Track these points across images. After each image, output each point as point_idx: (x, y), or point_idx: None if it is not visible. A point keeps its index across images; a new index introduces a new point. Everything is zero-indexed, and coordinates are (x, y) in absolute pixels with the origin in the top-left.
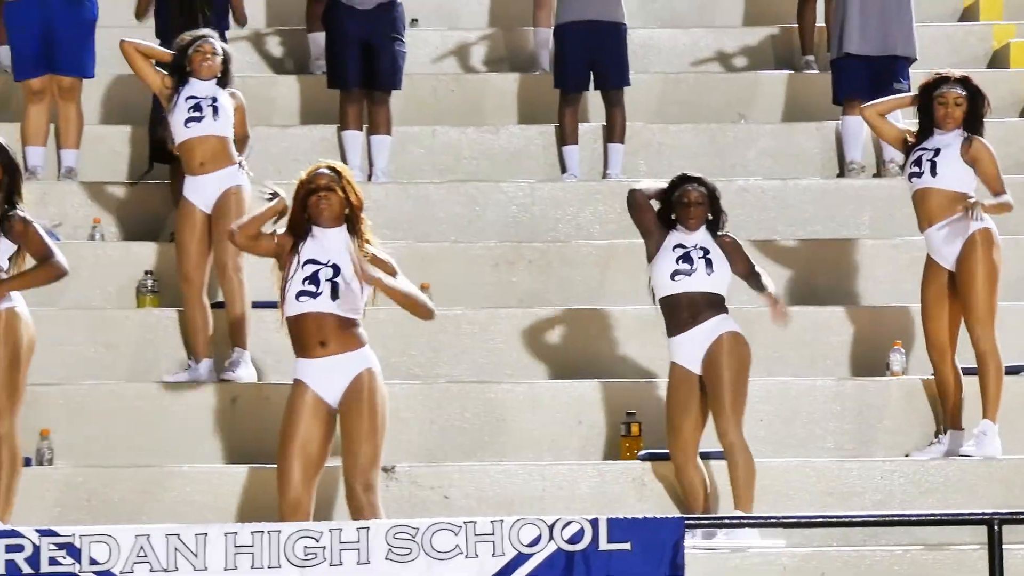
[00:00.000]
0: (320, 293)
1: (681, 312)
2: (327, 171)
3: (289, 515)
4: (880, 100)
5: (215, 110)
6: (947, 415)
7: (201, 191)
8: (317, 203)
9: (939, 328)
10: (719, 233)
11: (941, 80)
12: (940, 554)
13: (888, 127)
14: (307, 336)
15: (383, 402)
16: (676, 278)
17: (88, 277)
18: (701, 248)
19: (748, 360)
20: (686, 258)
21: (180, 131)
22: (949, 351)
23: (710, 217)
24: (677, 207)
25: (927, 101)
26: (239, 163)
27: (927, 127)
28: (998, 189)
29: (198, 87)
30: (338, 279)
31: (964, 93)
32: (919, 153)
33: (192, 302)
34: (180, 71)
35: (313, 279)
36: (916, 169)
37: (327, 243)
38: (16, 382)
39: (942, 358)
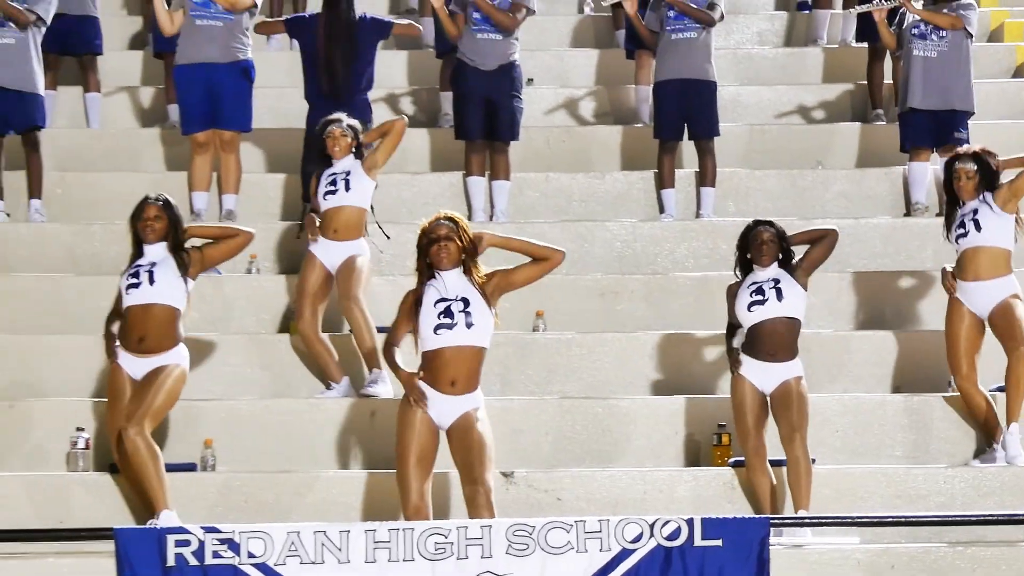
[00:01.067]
0: (456, 324)
1: (763, 343)
2: (445, 222)
3: (412, 518)
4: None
5: (347, 184)
6: (991, 430)
7: (329, 254)
8: (438, 252)
9: (972, 361)
10: (792, 263)
11: (954, 158)
12: (997, 550)
13: None
14: (442, 371)
15: (486, 431)
16: (752, 309)
17: (246, 306)
18: (772, 280)
19: (806, 398)
20: (758, 291)
21: (320, 203)
22: (973, 380)
23: (780, 256)
24: (751, 247)
25: (948, 175)
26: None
27: (954, 198)
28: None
29: (337, 165)
30: (469, 309)
31: (975, 167)
32: (960, 217)
33: (311, 340)
34: (324, 155)
35: (447, 313)
36: (961, 231)
37: (449, 283)
38: (160, 417)
39: (974, 385)
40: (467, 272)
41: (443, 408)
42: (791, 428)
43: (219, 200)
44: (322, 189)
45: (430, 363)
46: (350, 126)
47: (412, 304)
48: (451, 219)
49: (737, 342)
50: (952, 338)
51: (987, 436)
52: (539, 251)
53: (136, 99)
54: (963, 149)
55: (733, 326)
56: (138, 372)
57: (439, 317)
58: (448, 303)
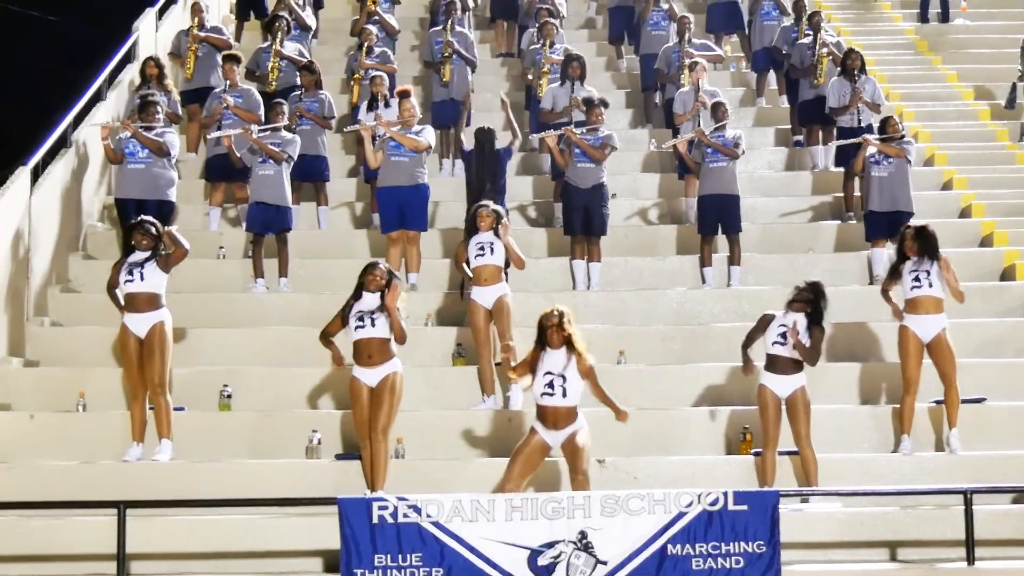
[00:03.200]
0: (555, 394)
1: (776, 365)
2: (556, 314)
3: None
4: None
5: (492, 250)
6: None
7: (484, 297)
8: (552, 335)
9: (919, 374)
10: (815, 326)
11: (905, 229)
12: (935, 511)
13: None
14: (548, 419)
15: (588, 448)
16: (775, 347)
17: (423, 348)
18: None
19: (809, 403)
20: (784, 336)
21: (473, 261)
22: (917, 388)
23: (809, 310)
24: (795, 300)
25: (900, 239)
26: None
27: (903, 257)
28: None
29: (483, 237)
30: (566, 385)
31: (917, 238)
32: (915, 272)
33: (484, 364)
34: (473, 226)
35: (551, 385)
36: (917, 283)
37: (555, 359)
38: (393, 420)
39: (914, 391)
40: (570, 351)
41: (554, 438)
42: (798, 429)
43: (406, 276)
44: (473, 252)
45: (540, 412)
46: (494, 209)
47: (531, 361)
48: (561, 313)
49: (751, 352)
50: (912, 359)
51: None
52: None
53: (351, 210)
54: (908, 224)
55: (751, 339)
56: (372, 380)
57: (545, 387)
58: (552, 377)
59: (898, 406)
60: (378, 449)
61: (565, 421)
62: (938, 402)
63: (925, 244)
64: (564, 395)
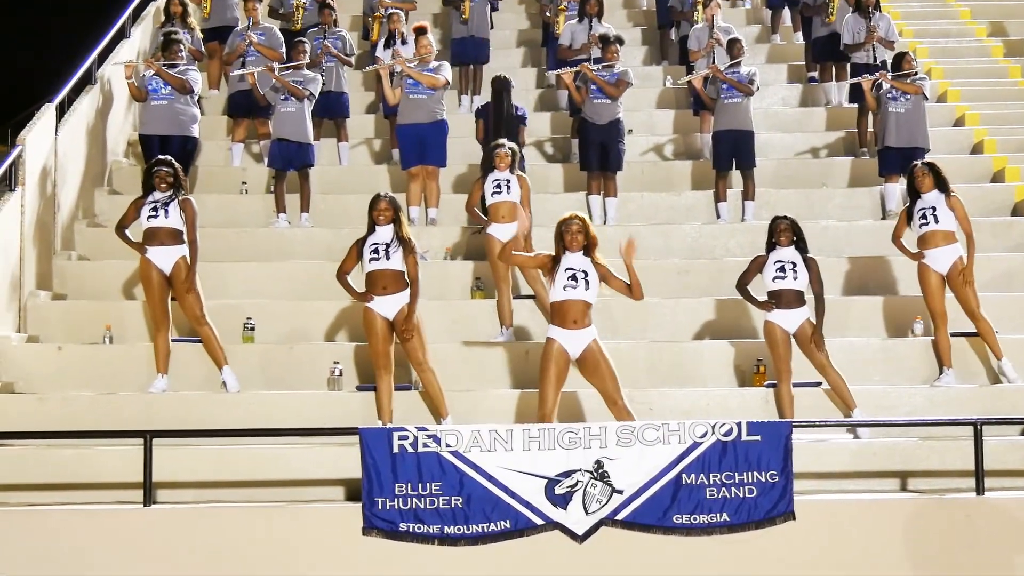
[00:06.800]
0: (578, 286)
1: (781, 300)
2: (577, 220)
3: (542, 421)
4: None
5: (509, 188)
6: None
7: (502, 233)
8: (571, 239)
9: (944, 306)
10: (806, 255)
11: (913, 165)
12: (948, 442)
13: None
14: (566, 315)
15: (606, 354)
16: (775, 282)
17: (443, 281)
18: (791, 263)
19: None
20: (782, 269)
21: (489, 199)
22: (946, 320)
23: (795, 239)
24: (775, 233)
25: (910, 177)
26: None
27: (915, 194)
28: (967, 228)
29: (500, 175)
30: (588, 278)
31: (929, 172)
32: (922, 210)
33: (503, 297)
34: (489, 164)
35: (574, 278)
36: (924, 221)
37: (575, 260)
38: (427, 345)
39: (943, 324)
40: (587, 254)
41: (571, 341)
42: (815, 355)
43: (425, 212)
44: (489, 190)
45: (558, 310)
46: (510, 148)
47: (548, 264)
48: (581, 218)
49: (757, 294)
50: (933, 292)
51: (940, 365)
52: (635, 284)
53: (371, 146)
54: (917, 161)
55: (744, 281)
56: (387, 311)
57: (568, 279)
58: (574, 271)
59: (909, 338)
60: (428, 380)
61: (582, 319)
62: (970, 334)
63: (936, 177)
64: (587, 288)
